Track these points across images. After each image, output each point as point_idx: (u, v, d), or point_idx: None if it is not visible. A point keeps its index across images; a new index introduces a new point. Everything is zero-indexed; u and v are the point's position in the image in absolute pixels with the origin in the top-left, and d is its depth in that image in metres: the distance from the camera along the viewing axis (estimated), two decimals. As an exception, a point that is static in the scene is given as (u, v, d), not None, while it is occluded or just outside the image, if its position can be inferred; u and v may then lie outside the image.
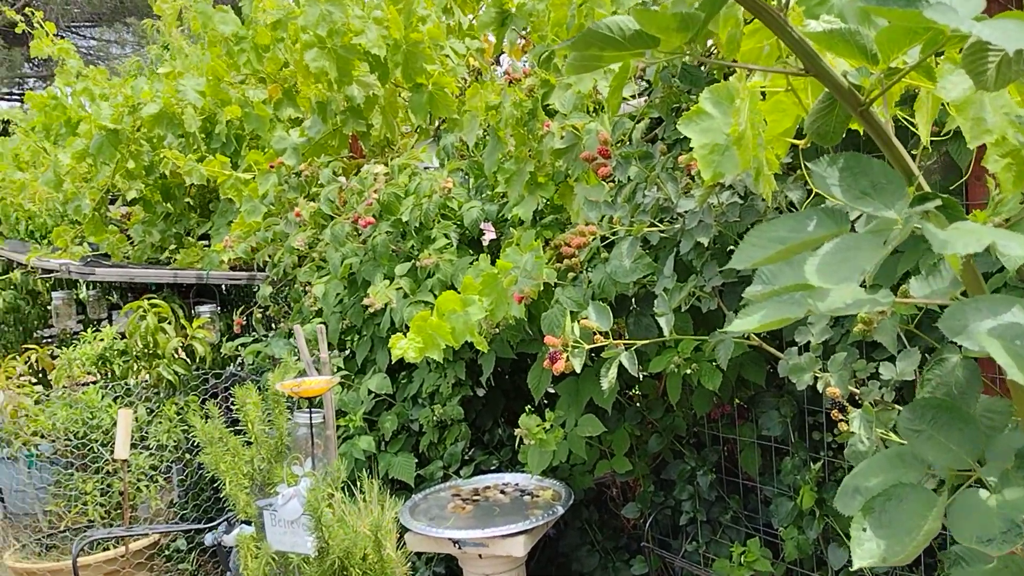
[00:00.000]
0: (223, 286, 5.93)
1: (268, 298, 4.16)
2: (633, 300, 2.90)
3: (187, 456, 4.75)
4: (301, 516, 2.65)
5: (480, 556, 2.98)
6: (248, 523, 2.84)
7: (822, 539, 2.80)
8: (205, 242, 5.70)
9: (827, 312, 1.05)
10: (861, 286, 1.03)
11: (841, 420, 2.00)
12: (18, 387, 4.55)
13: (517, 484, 3.36)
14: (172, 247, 5.56)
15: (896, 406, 2.09)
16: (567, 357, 2.15)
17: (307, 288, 3.99)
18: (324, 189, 3.68)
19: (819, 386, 2.06)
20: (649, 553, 3.21)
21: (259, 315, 4.30)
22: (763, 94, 1.81)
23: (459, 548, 2.95)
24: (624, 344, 2.21)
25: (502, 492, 3.29)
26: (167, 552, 4.99)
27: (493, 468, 3.60)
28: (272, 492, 2.94)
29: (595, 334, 2.17)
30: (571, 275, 2.79)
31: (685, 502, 3.19)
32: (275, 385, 2.90)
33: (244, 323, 4.42)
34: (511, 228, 3.47)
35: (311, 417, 2.91)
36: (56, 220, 7.10)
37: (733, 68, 3.06)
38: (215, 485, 5.12)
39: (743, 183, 2.19)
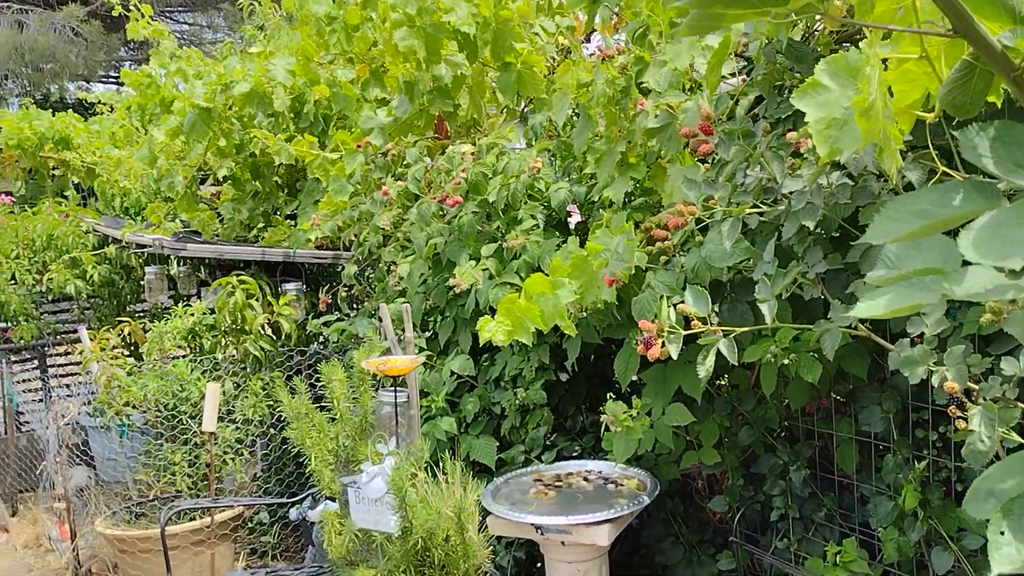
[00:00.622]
0: (305, 264, 6.00)
1: (353, 277, 4.17)
2: (728, 286, 2.79)
3: (271, 431, 4.82)
4: (385, 495, 2.64)
5: (563, 543, 2.92)
6: (332, 499, 2.84)
7: (924, 542, 2.66)
8: (291, 221, 5.77)
9: (964, 297, 0.95)
10: (999, 270, 0.94)
11: (959, 417, 1.88)
12: (112, 358, 4.68)
13: (600, 472, 3.29)
14: (260, 225, 5.64)
15: (1019, 403, 1.95)
16: (662, 343, 2.07)
17: (392, 267, 3.98)
18: (411, 168, 3.65)
19: (934, 380, 1.94)
20: (737, 548, 3.10)
21: (343, 294, 4.32)
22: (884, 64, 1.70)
23: (541, 534, 2.90)
24: (722, 331, 2.11)
25: (585, 479, 3.23)
26: (250, 524, 5.09)
27: (575, 454, 3.54)
28: (356, 469, 2.94)
29: (691, 320, 2.08)
30: (663, 259, 2.70)
31: (776, 497, 3.07)
32: (361, 363, 2.89)
33: (329, 301, 4.44)
34: (599, 210, 3.39)
35: (396, 396, 2.89)
36: (149, 197, 7.30)
37: (840, 44, 2.91)
38: (298, 460, 5.20)
39: (857, 163, 2.07)
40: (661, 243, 2.70)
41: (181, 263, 6.45)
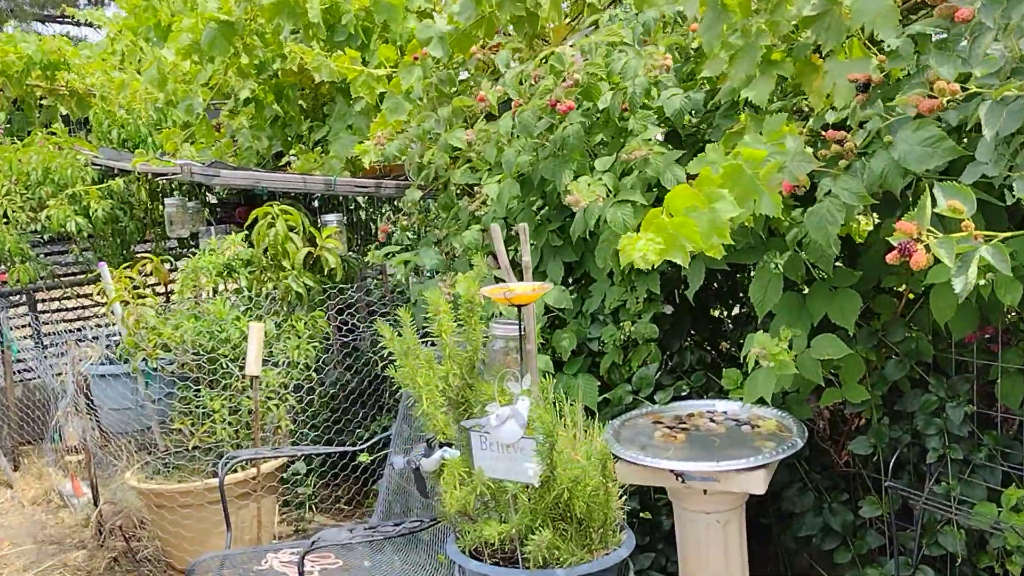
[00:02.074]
0: (315, 196, 5.55)
1: (416, 204, 3.75)
2: (909, 196, 2.42)
3: (313, 375, 4.43)
4: (520, 440, 2.28)
5: (705, 492, 2.59)
6: (448, 445, 2.47)
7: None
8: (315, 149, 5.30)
9: None
10: None
11: None
12: (137, 298, 4.23)
13: (726, 412, 2.95)
14: (291, 153, 5.17)
15: None
16: (926, 247, 1.70)
17: (465, 191, 3.58)
18: (507, 73, 3.22)
19: None
20: (892, 494, 2.79)
21: (404, 223, 3.90)
22: None
23: (682, 481, 2.56)
24: (983, 236, 1.75)
25: (712, 420, 2.89)
26: (283, 475, 4.73)
27: (684, 394, 3.19)
28: (479, 412, 2.57)
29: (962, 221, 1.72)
30: (842, 163, 2.33)
31: (932, 437, 2.76)
32: (481, 291, 2.51)
33: (390, 230, 4.01)
34: (721, 119, 2.99)
35: (521, 328, 2.51)
36: (150, 129, 6.77)
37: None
38: (332, 405, 4.83)
39: None
40: (838, 146, 2.33)
41: (192, 198, 5.97)
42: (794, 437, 2.63)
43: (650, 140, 2.84)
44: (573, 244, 3.28)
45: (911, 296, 2.92)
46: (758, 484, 2.50)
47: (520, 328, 2.51)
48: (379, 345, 4.94)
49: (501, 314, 3.18)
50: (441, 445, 2.47)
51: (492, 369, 2.58)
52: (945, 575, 2.80)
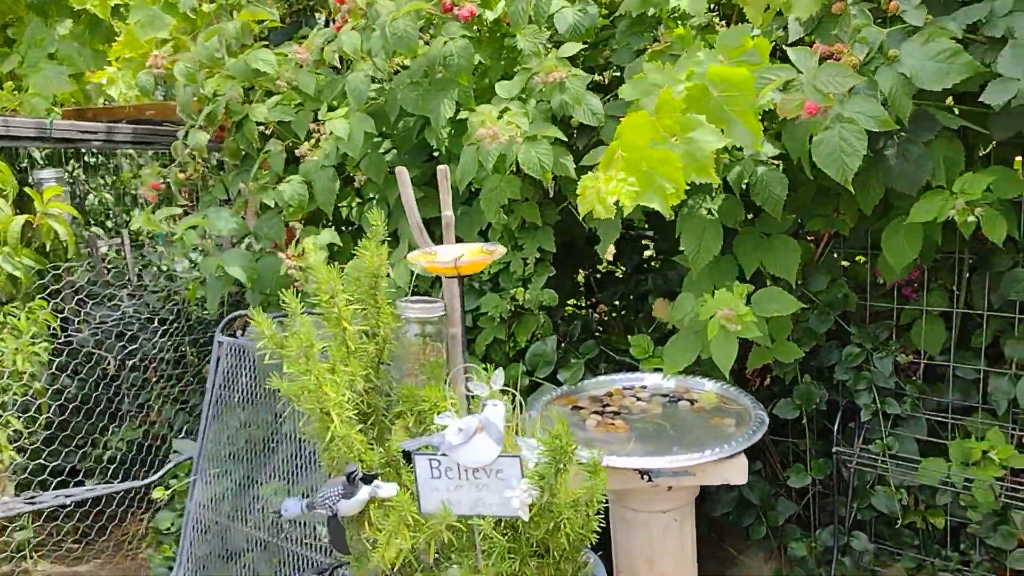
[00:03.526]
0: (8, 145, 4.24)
1: (201, 150, 2.80)
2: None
3: (38, 386, 3.31)
4: (498, 459, 1.65)
5: (669, 489, 2.14)
6: (373, 478, 1.75)
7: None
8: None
9: None
10: None
11: None
12: None
13: (647, 387, 2.52)
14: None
15: None
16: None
17: (272, 131, 2.75)
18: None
19: None
20: (837, 459, 2.54)
21: (179, 176, 2.92)
22: None
23: (648, 480, 2.08)
24: None
25: (638, 398, 2.44)
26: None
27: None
28: (380, 426, 1.88)
29: None
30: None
31: (862, 393, 2.54)
32: (410, 258, 1.80)
33: (162, 187, 2.98)
34: (623, 41, 2.50)
35: (460, 306, 1.84)
36: None
37: None
38: (58, 417, 3.70)
39: None
40: (834, 63, 1.95)
41: None
42: (754, 409, 2.26)
43: (565, 59, 2.28)
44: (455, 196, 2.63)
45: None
46: (739, 472, 2.09)
47: (461, 307, 1.84)
48: (109, 341, 3.89)
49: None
50: (364, 479, 1.74)
51: (413, 366, 1.91)
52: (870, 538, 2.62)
